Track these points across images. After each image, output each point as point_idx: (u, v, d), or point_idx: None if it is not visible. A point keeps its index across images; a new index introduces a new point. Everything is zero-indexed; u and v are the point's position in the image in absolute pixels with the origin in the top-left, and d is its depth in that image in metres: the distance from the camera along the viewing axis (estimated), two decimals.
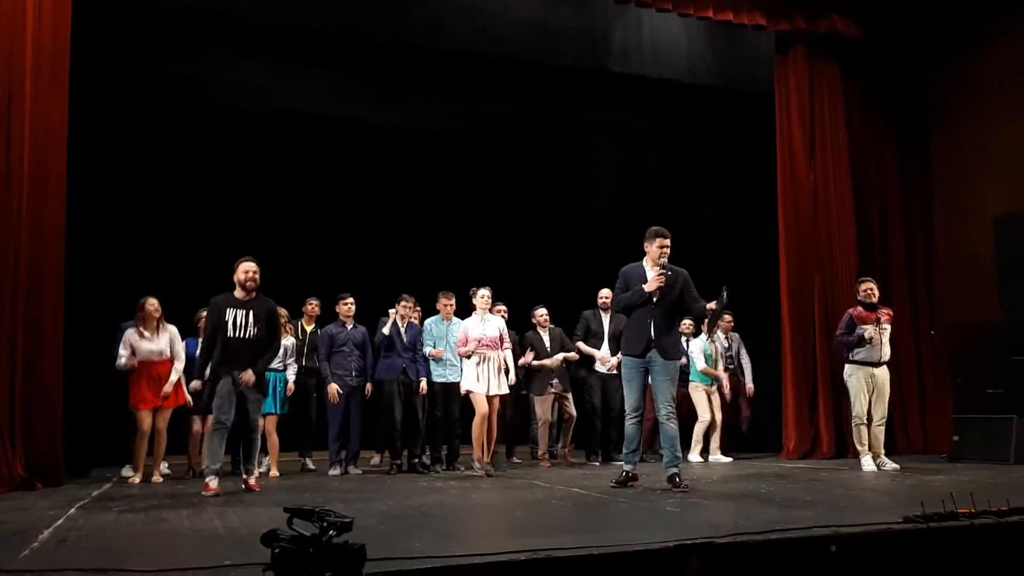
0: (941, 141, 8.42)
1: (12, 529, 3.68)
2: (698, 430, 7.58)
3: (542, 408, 7.26)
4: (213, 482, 5.11)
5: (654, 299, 5.04)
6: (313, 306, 7.19)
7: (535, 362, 7.22)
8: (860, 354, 6.39)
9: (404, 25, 7.59)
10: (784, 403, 7.86)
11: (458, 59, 7.96)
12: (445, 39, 7.72)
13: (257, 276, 5.33)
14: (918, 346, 8.28)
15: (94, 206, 6.81)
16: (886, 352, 6.43)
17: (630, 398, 5.13)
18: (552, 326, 7.40)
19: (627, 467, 5.19)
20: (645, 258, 5.20)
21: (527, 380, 7.36)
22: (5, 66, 5.52)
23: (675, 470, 4.95)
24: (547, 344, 7.30)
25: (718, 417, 7.64)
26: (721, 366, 7.77)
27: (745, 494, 4.78)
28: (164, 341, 6.17)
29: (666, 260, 5.08)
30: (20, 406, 5.44)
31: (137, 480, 6.01)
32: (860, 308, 6.47)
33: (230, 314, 5.28)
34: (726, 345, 7.96)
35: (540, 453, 7.32)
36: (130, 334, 6.10)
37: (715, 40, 8.57)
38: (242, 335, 5.26)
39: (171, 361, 6.18)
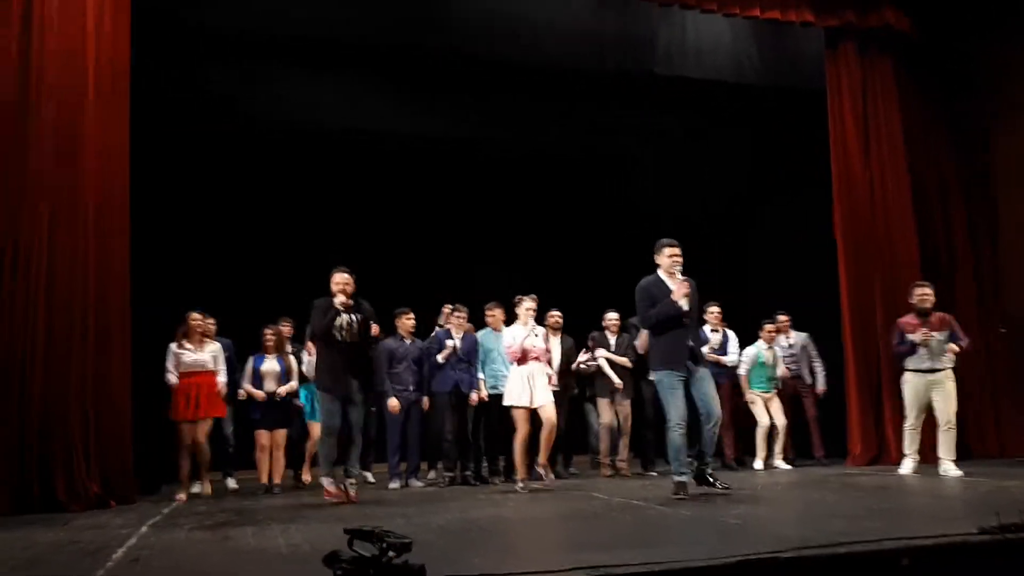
0: (1002, 131, 8.09)
1: (88, 549, 3.82)
2: (759, 435, 7.48)
3: (603, 412, 7.23)
4: (332, 487, 5.45)
5: (685, 311, 5.13)
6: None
7: (603, 357, 7.19)
8: (911, 362, 6.32)
9: (446, 34, 7.61)
10: (848, 408, 7.64)
11: (500, 67, 7.96)
12: (487, 47, 7.71)
13: (348, 287, 5.53)
14: (988, 344, 7.97)
15: (155, 223, 7.01)
16: (943, 360, 6.25)
17: (676, 409, 5.09)
18: (620, 332, 7.38)
19: (680, 478, 5.11)
20: (658, 271, 5.31)
21: (589, 385, 7.34)
22: (69, 95, 5.71)
23: (709, 471, 5.24)
24: (613, 347, 7.28)
25: (780, 422, 7.50)
26: (780, 371, 7.65)
27: (810, 504, 4.67)
28: (206, 353, 6.34)
29: (680, 269, 5.19)
30: (93, 425, 5.62)
31: (184, 497, 6.09)
32: (911, 316, 6.37)
33: (337, 320, 5.49)
34: (785, 345, 7.79)
35: (601, 458, 7.28)
36: (173, 347, 6.32)
37: (761, 39, 8.40)
38: (345, 338, 5.49)
39: (213, 374, 6.33)
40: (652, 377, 5.39)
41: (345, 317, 5.52)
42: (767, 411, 7.51)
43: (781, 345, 7.79)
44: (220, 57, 7.52)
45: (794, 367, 7.80)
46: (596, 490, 5.90)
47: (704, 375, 5.17)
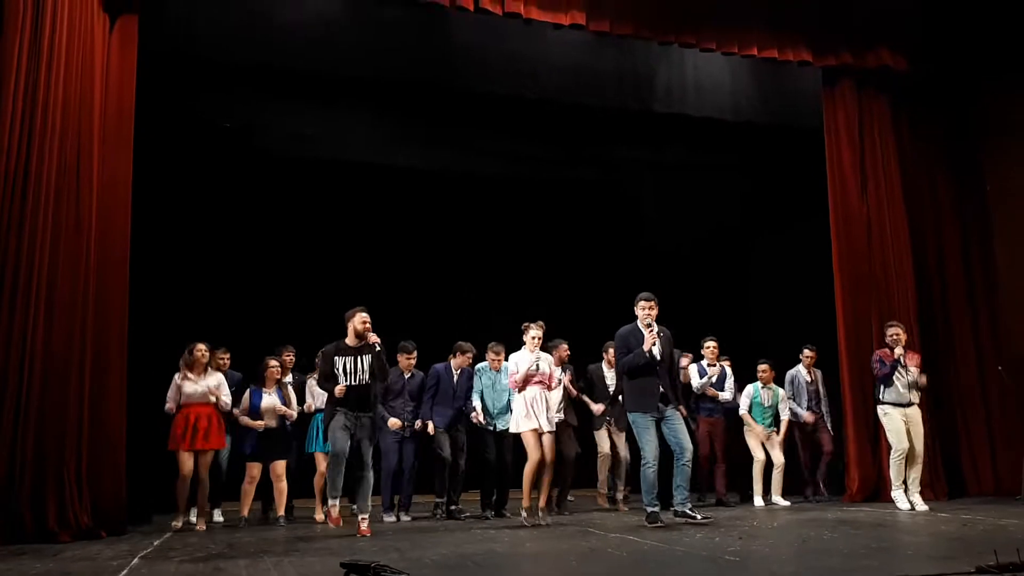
0: (998, 171, 8.20)
1: None
2: (756, 471, 7.46)
3: (599, 441, 7.25)
4: (334, 510, 5.48)
5: (658, 359, 5.63)
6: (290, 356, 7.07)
7: (593, 404, 7.20)
8: (888, 396, 6.68)
9: (450, 72, 7.77)
10: (845, 444, 7.62)
11: (501, 103, 8.09)
12: (488, 84, 7.86)
13: (369, 324, 5.61)
14: (984, 382, 7.98)
15: (156, 254, 7.05)
16: (914, 395, 6.68)
17: (650, 448, 5.60)
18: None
19: (653, 509, 5.59)
20: (636, 320, 5.80)
21: (587, 417, 7.35)
22: (75, 128, 5.79)
23: (688, 506, 5.62)
24: (608, 381, 7.28)
25: (778, 460, 7.46)
26: (785, 415, 7.60)
27: (807, 541, 4.64)
28: (209, 384, 6.33)
29: (651, 320, 5.69)
30: (87, 453, 5.59)
31: (179, 525, 6.10)
32: (886, 350, 6.73)
33: (339, 362, 5.54)
34: (809, 380, 7.76)
35: (599, 487, 7.28)
36: (176, 379, 6.31)
37: (759, 76, 8.55)
38: (353, 381, 5.51)
39: (213, 405, 6.32)
40: (629, 417, 5.78)
41: (349, 360, 5.55)
42: (763, 448, 7.49)
43: (806, 380, 7.75)
44: (224, 89, 7.62)
45: (814, 404, 7.74)
46: (592, 525, 5.86)
47: (673, 414, 5.66)
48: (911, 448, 6.59)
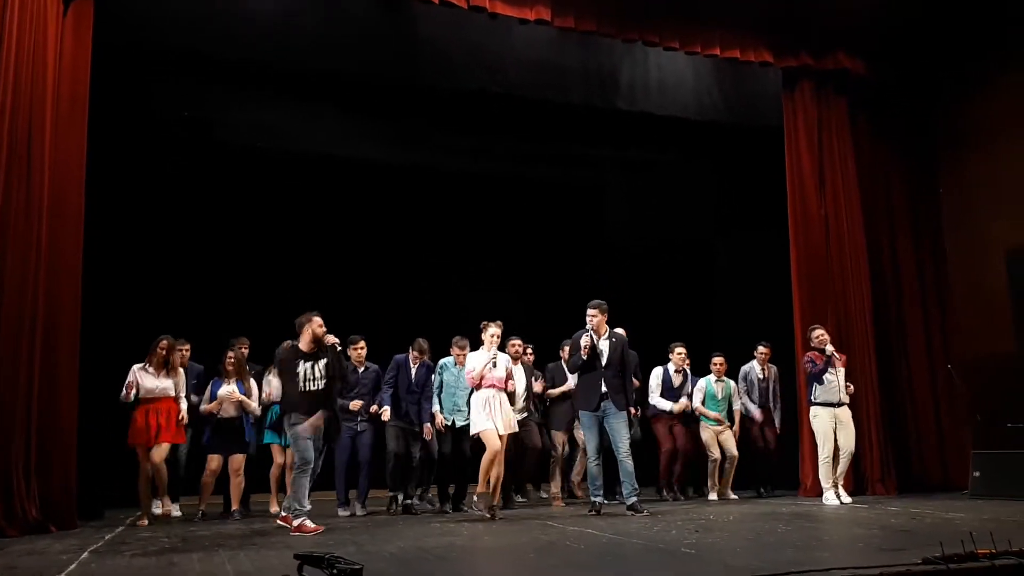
0: (951, 174, 8.42)
1: (26, 575, 3.68)
2: (711, 467, 7.54)
3: (559, 443, 7.25)
4: (308, 523, 5.24)
5: (603, 362, 6.03)
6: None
7: (552, 391, 7.20)
8: (820, 396, 6.86)
9: (414, 66, 7.71)
10: (800, 439, 7.75)
11: (467, 99, 8.07)
12: (453, 78, 7.83)
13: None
14: (934, 379, 8.19)
15: (111, 244, 6.90)
16: (843, 394, 6.86)
17: (592, 444, 6.07)
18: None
19: (596, 499, 6.09)
20: None
21: (547, 414, 7.35)
22: (26, 111, 5.66)
23: (635, 499, 5.91)
24: (570, 379, 7.29)
25: (731, 453, 7.54)
26: (736, 406, 7.69)
27: (761, 534, 4.71)
28: (169, 380, 6.22)
29: (590, 326, 6.09)
30: (36, 445, 5.46)
31: (145, 523, 5.96)
32: (815, 352, 6.95)
33: (300, 368, 5.42)
34: (761, 377, 7.85)
35: (552, 492, 7.27)
36: (136, 369, 6.17)
37: (722, 77, 8.64)
38: (313, 387, 5.41)
39: (173, 400, 6.20)
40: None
41: (308, 366, 5.44)
42: (718, 443, 7.57)
43: (759, 376, 7.83)
44: (183, 80, 7.48)
45: (763, 400, 7.83)
46: (551, 518, 5.88)
47: (612, 412, 6.00)
48: (840, 445, 6.78)
